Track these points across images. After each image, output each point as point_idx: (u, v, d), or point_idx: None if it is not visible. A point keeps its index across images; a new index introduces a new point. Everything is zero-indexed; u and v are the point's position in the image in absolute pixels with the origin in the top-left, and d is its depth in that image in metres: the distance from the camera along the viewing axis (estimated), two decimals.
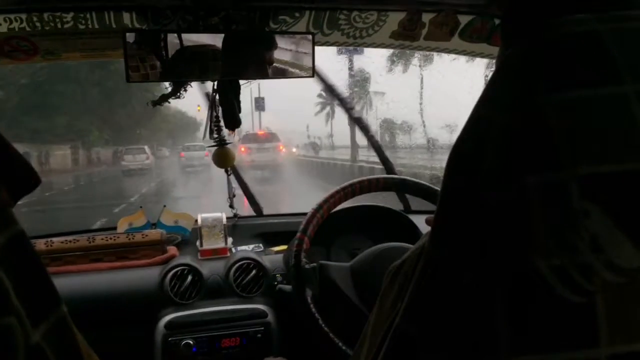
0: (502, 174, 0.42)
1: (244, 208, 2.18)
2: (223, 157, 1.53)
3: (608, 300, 0.42)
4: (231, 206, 1.84)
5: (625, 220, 0.38)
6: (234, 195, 1.84)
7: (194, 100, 1.39)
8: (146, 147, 25.09)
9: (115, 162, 28.14)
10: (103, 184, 20.28)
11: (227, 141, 1.48)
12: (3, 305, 0.39)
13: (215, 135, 1.45)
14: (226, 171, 1.61)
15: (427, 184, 1.48)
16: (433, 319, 0.47)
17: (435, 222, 0.48)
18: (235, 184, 1.83)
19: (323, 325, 1.25)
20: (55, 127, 24.02)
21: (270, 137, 21.52)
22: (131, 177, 20.93)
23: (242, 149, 18.90)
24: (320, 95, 52.66)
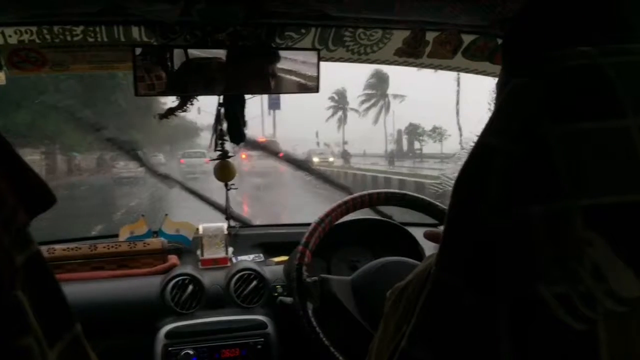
0: (507, 202, 0.43)
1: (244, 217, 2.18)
2: (224, 171, 1.54)
3: (610, 328, 0.42)
4: (227, 219, 1.83)
5: (627, 250, 0.40)
6: (229, 212, 1.83)
7: (195, 106, 1.40)
8: (140, 153, 23.84)
9: (101, 169, 24.84)
10: (81, 199, 15.68)
11: (230, 154, 1.49)
12: (22, 326, 0.40)
13: (219, 149, 1.46)
14: (225, 185, 1.61)
15: (428, 199, 1.50)
16: (439, 343, 0.48)
17: (442, 245, 0.49)
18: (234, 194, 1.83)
19: (323, 338, 1.26)
20: (15, 126, 18.73)
21: (272, 144, 21.51)
22: (121, 187, 18.65)
23: (243, 156, 18.88)
24: (331, 99, 51.18)
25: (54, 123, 21.42)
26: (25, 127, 19.45)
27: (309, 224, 1.40)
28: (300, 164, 2.14)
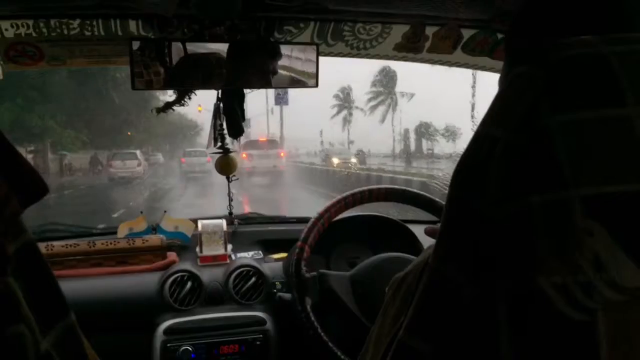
0: (507, 191, 0.43)
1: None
2: (226, 165, 1.55)
3: (610, 318, 0.42)
4: (230, 213, 1.85)
5: (627, 240, 0.39)
6: (232, 200, 1.85)
7: (193, 101, 1.40)
8: (138, 152, 22.05)
9: (94, 169, 23.29)
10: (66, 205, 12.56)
11: (231, 149, 1.50)
12: (14, 314, 0.40)
13: (219, 143, 1.46)
14: (227, 178, 1.63)
15: (428, 195, 1.49)
16: (437, 334, 0.48)
17: (440, 236, 0.49)
18: (235, 189, 1.83)
19: (322, 334, 1.26)
20: None
21: (272, 144, 21.60)
22: (116, 188, 16.92)
23: (244, 155, 18.92)
24: (336, 97, 50.08)
25: (40, 119, 19.56)
26: (8, 123, 17.44)
27: (308, 219, 1.40)
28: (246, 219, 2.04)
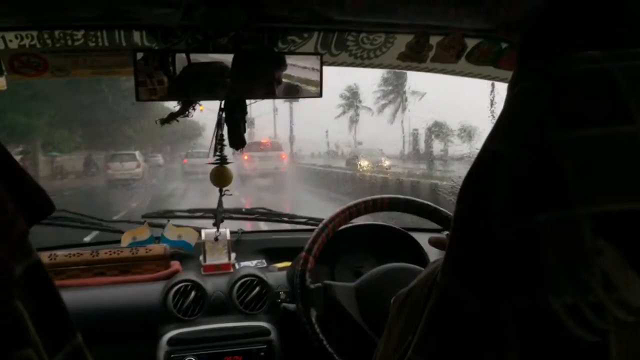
0: (514, 210, 0.42)
1: (246, 223, 2.17)
2: (221, 176, 1.53)
3: (621, 339, 0.41)
4: (215, 224, 1.78)
5: (638, 259, 0.39)
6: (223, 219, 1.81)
7: (196, 109, 1.38)
8: (137, 154, 21.07)
9: (88, 171, 21.62)
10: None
11: (228, 160, 1.49)
12: (22, 338, 0.39)
13: (218, 153, 1.46)
14: (220, 191, 1.61)
15: (433, 205, 1.49)
16: (447, 354, 0.47)
17: (448, 253, 0.48)
18: (239, 192, 1.80)
19: (327, 345, 1.25)
20: None
21: (274, 146, 21.62)
22: (109, 193, 16.29)
23: (245, 157, 18.93)
24: (342, 96, 48.73)
25: (26, 117, 18.23)
26: None
27: (311, 226, 1.40)
28: None
